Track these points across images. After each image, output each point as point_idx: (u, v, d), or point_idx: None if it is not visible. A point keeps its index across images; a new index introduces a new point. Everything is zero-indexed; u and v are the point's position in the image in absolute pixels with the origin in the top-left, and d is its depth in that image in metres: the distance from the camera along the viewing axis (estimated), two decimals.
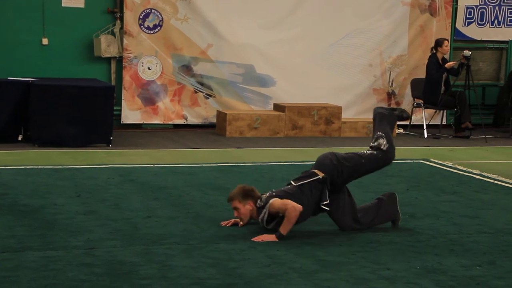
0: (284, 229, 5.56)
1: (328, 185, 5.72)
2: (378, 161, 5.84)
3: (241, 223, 5.93)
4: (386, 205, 6.00)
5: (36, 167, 8.18)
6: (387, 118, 6.00)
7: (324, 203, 5.70)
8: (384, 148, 5.82)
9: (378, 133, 5.88)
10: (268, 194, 5.75)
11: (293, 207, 5.53)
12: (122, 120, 11.54)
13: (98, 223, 5.90)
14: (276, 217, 5.66)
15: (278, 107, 11.80)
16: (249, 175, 8.06)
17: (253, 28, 11.93)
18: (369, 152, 5.86)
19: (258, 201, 5.75)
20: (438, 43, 11.88)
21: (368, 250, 5.41)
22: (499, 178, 8.25)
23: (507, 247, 5.58)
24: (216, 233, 5.72)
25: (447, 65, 11.71)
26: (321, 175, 5.72)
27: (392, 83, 12.65)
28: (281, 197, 5.63)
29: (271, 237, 5.55)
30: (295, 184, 5.73)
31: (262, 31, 11.98)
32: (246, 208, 5.77)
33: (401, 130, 12.18)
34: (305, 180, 5.71)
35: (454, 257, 5.28)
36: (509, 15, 13.05)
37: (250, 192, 5.76)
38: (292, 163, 8.96)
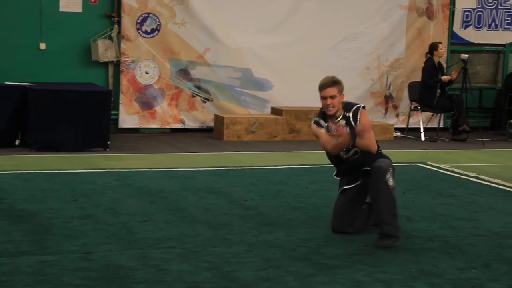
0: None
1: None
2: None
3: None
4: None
5: (33, 171, 8.19)
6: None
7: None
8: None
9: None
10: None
11: (374, 146, 5.68)
12: (119, 124, 11.55)
13: (94, 227, 5.91)
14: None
15: (275, 111, 11.81)
16: (246, 179, 8.07)
17: (251, 32, 11.95)
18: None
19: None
20: (434, 47, 11.89)
21: (364, 253, 5.42)
22: (496, 180, 8.26)
23: (503, 249, 5.58)
24: (212, 237, 5.72)
25: (443, 78, 11.71)
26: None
27: (389, 87, 12.67)
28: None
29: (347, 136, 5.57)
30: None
31: (259, 35, 12.00)
32: (341, 98, 5.73)
33: (398, 133, 12.19)
34: None
35: (450, 260, 5.29)
36: (506, 18, 13.07)
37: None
38: (290, 166, 8.97)
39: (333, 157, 5.92)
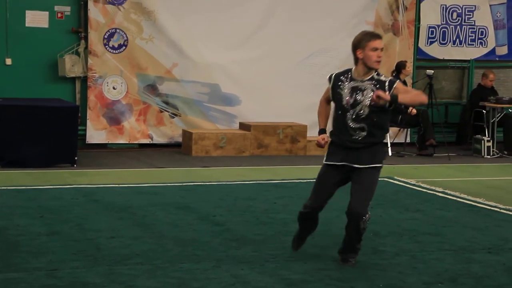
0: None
1: None
2: None
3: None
4: None
5: None
6: None
7: None
8: None
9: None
10: None
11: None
12: (87, 140, 11.47)
13: (61, 244, 5.85)
14: None
15: (243, 126, 11.84)
16: (214, 194, 8.06)
17: (218, 47, 11.97)
18: None
19: None
20: (402, 65, 12.02)
21: (332, 268, 5.44)
22: (462, 195, 8.34)
23: (468, 264, 5.64)
24: (180, 253, 5.70)
25: (410, 112, 11.74)
26: None
27: None
28: None
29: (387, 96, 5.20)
30: None
31: (227, 50, 12.03)
32: None
33: None
34: None
35: (417, 275, 5.33)
36: (470, 34, 13.27)
37: None
38: (258, 181, 8.99)
39: (340, 120, 5.40)
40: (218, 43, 11.97)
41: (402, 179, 9.33)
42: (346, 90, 5.40)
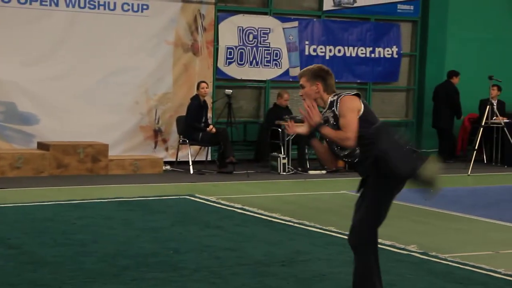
0: (328, 132, 4.76)
1: None
2: None
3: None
4: None
5: None
6: None
7: None
8: None
9: None
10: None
11: (347, 137, 4.69)
12: None
13: None
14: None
15: (42, 146, 11.51)
16: (9, 217, 7.77)
17: (14, 65, 11.57)
18: None
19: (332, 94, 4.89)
20: (197, 86, 12.36)
21: (130, 287, 5.44)
22: (259, 211, 8.63)
23: (264, 277, 5.86)
24: None
25: (210, 129, 12.05)
26: None
27: (158, 121, 12.84)
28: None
29: (302, 129, 4.82)
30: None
31: (24, 68, 11.66)
32: (312, 88, 4.91)
33: (168, 167, 12.36)
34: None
35: None
36: (265, 56, 13.80)
37: (324, 74, 4.95)
38: (57, 202, 8.78)
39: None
40: (14, 60, 11.58)
41: (203, 196, 9.50)
42: None
